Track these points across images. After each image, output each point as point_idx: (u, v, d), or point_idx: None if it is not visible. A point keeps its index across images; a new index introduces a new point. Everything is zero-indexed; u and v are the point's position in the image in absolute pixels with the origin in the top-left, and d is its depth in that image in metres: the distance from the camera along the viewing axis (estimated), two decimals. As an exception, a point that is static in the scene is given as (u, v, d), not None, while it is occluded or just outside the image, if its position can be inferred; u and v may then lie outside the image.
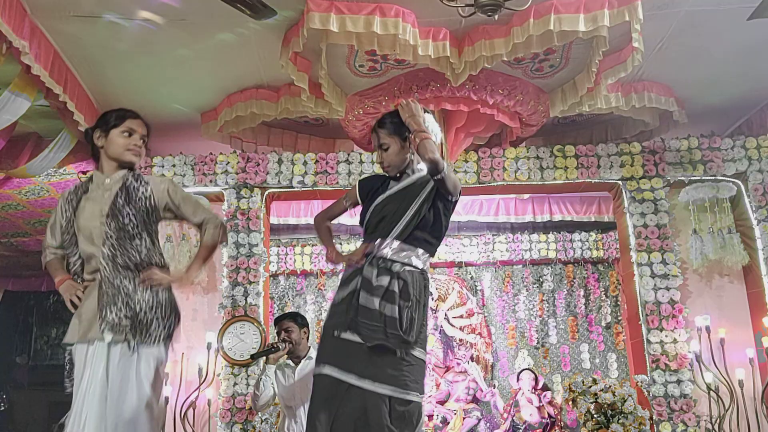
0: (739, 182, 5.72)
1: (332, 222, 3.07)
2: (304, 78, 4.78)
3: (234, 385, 5.24)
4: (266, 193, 5.72)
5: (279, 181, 5.69)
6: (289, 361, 4.34)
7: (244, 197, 5.65)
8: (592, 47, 4.62)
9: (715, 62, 5.11)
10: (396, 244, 2.71)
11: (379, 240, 2.73)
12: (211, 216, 2.92)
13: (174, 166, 5.71)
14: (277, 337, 4.35)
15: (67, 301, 2.74)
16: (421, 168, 2.85)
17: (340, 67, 4.87)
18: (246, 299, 5.44)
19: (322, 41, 4.31)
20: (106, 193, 2.79)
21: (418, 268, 2.73)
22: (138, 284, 2.69)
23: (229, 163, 5.72)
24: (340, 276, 2.83)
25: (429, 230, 2.77)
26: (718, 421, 5.21)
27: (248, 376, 5.21)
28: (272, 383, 4.28)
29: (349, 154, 5.78)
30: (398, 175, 2.88)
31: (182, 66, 5.00)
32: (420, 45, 4.32)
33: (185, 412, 5.27)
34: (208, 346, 5.40)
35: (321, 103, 5.13)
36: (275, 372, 4.31)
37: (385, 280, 2.62)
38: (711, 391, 5.24)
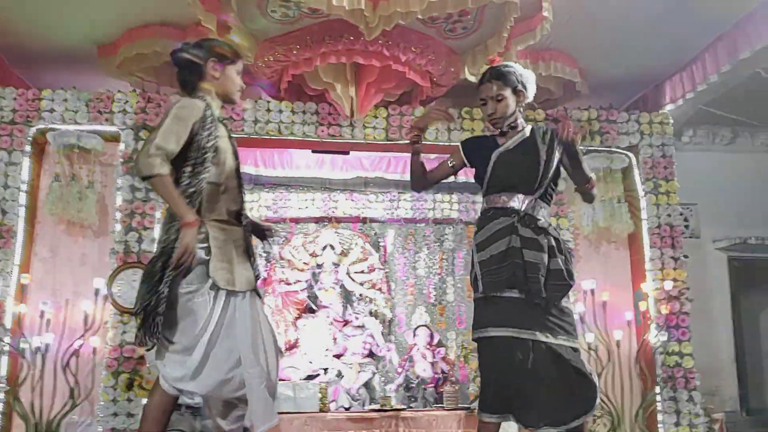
0: (631, 155, 6.01)
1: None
2: (212, 19, 4.56)
3: (123, 333, 5.07)
4: (166, 136, 5.46)
5: (181, 124, 5.44)
6: None
7: (143, 139, 5.38)
8: (504, 13, 4.67)
9: (618, 36, 5.31)
10: (535, 201, 2.78)
11: (521, 197, 2.77)
12: None
13: (66, 101, 5.32)
14: None
15: (188, 256, 2.43)
16: (523, 122, 2.90)
17: (251, 10, 4.68)
18: (140, 245, 5.24)
19: (231, -20, 4.12)
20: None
21: (551, 224, 2.84)
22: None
23: (127, 102, 5.41)
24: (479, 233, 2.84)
25: (554, 185, 2.89)
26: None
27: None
28: None
29: (256, 101, 5.61)
30: (505, 130, 2.87)
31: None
32: (334, -6, 4.21)
33: (68, 361, 5.05)
34: (96, 293, 5.17)
35: (228, 46, 4.91)
36: None
37: (544, 239, 2.71)
38: (590, 350, 5.58)
